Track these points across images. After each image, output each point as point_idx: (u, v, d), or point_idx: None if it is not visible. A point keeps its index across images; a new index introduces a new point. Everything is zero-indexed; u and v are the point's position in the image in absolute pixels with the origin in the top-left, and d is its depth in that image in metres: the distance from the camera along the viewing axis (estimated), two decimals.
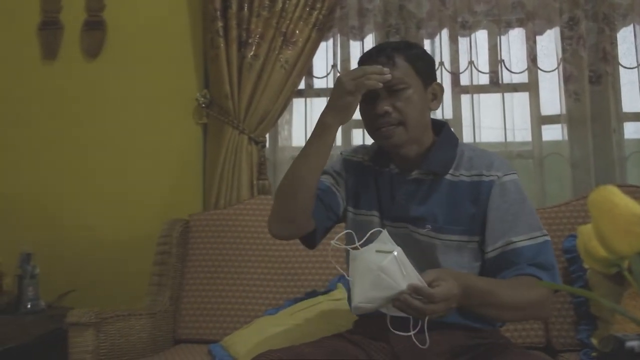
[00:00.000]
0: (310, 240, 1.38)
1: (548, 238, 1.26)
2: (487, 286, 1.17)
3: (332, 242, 1.11)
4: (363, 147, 1.49)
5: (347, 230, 1.13)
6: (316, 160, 1.27)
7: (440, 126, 1.37)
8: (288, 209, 1.30)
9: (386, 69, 1.23)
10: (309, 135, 1.31)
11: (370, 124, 1.31)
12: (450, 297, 1.04)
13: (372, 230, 1.11)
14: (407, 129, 1.27)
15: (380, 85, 1.21)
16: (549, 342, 1.80)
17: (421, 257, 1.04)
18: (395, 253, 1.02)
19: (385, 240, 1.06)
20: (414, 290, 1.01)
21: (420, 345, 1.03)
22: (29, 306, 2.08)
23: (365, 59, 1.32)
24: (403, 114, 1.26)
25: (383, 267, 1.01)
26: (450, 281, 1.05)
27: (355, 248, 1.07)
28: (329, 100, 1.25)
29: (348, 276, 1.07)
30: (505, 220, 1.25)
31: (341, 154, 1.49)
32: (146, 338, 1.86)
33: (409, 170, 1.33)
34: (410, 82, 1.26)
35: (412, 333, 1.03)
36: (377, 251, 1.04)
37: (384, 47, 1.31)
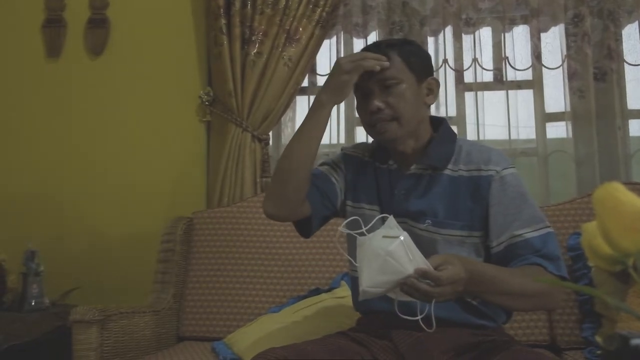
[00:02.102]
0: (306, 228, 1.39)
1: (551, 229, 1.26)
2: (496, 273, 1.17)
3: (340, 228, 1.13)
4: (363, 144, 1.50)
5: (354, 217, 1.14)
6: (310, 137, 1.31)
7: (438, 122, 1.38)
8: (282, 188, 1.31)
9: (384, 58, 1.25)
10: None
11: (365, 120, 1.32)
12: (457, 280, 1.05)
13: (378, 216, 1.12)
14: (401, 124, 1.28)
15: (378, 68, 1.24)
16: (553, 340, 1.80)
17: (422, 252, 1.04)
18: (402, 238, 1.03)
19: (391, 225, 1.07)
20: (421, 273, 1.02)
21: (427, 329, 1.03)
22: (33, 303, 2.09)
23: None
24: (396, 110, 1.27)
25: (390, 251, 1.02)
26: (457, 265, 1.05)
27: (362, 234, 1.08)
28: (326, 80, 1.29)
29: (355, 262, 1.07)
30: (508, 213, 1.25)
31: (342, 149, 1.50)
32: (150, 335, 1.86)
33: (407, 166, 1.34)
34: (402, 77, 1.27)
35: (419, 317, 1.04)
36: (384, 236, 1.04)
37: (378, 44, 1.34)
